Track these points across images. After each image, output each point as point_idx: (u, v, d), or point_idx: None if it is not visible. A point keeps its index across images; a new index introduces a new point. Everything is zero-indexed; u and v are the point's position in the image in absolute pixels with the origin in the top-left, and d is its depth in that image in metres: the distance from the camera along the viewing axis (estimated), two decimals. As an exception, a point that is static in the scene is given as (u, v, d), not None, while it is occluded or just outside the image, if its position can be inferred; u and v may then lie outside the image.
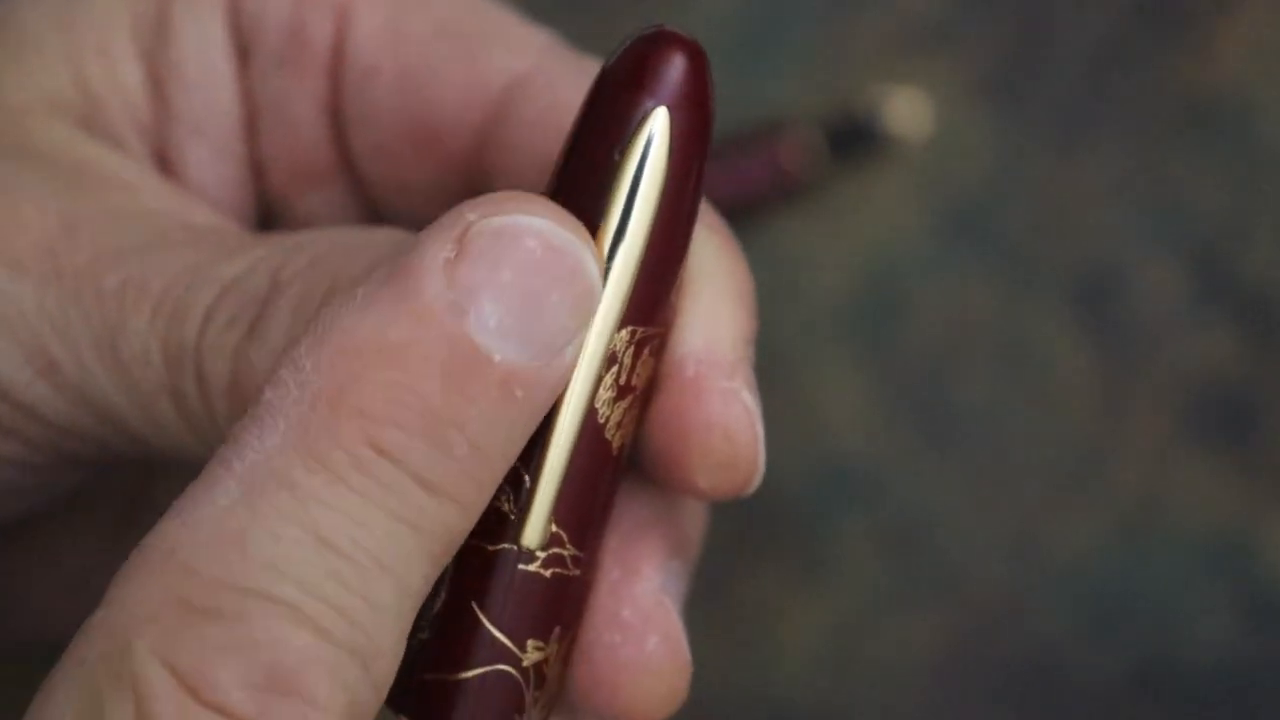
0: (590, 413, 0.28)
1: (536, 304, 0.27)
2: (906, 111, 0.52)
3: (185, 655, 0.25)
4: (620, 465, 0.29)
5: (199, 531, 0.26)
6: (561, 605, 0.29)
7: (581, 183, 0.28)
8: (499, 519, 0.28)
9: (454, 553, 0.27)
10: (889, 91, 0.52)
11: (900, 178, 0.53)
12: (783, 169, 0.52)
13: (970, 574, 0.52)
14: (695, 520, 0.33)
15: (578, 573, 0.29)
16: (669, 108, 0.28)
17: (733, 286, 0.31)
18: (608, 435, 0.29)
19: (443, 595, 0.29)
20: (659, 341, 0.29)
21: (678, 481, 0.30)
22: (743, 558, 0.52)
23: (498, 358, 0.26)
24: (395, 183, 0.34)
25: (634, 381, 0.29)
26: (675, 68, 0.28)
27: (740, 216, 0.52)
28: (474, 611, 0.28)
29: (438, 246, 0.27)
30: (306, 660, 0.25)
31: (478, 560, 0.28)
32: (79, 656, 0.25)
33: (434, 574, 0.27)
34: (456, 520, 0.27)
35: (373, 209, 0.35)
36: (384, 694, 0.27)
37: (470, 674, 0.28)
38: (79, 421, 0.31)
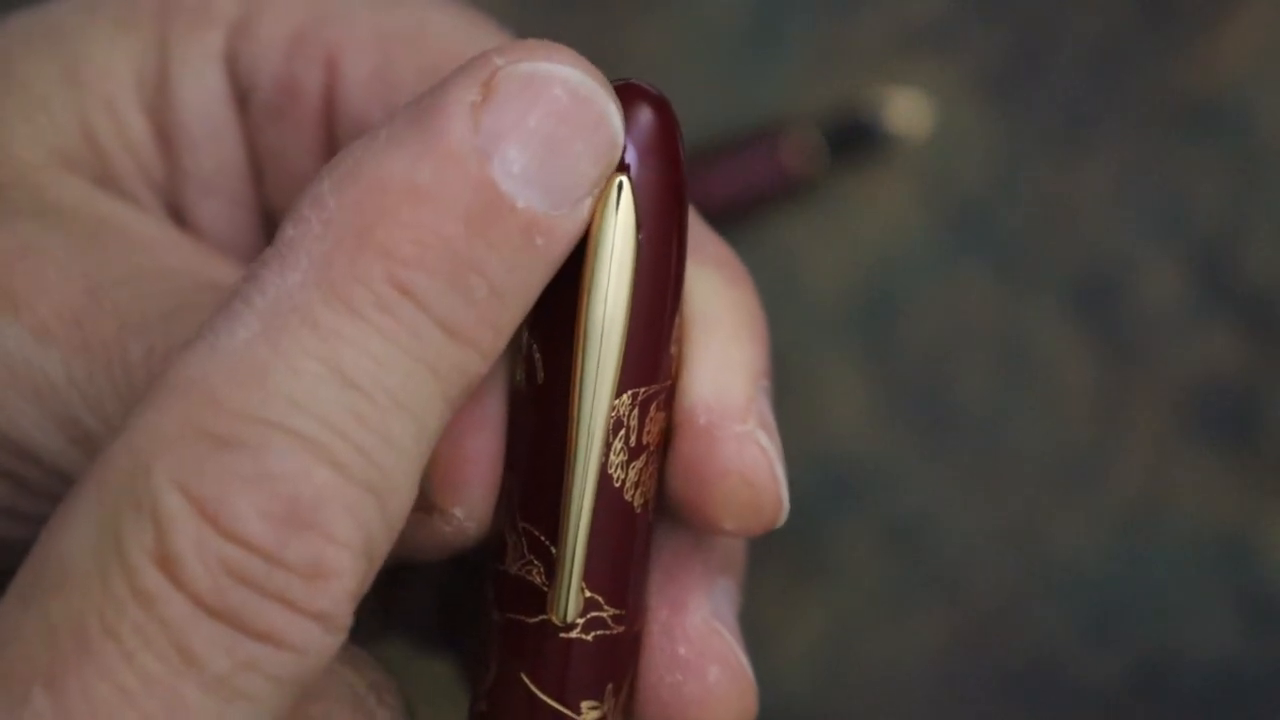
0: (605, 479, 0.28)
1: (561, 152, 0.27)
2: (906, 111, 0.52)
3: (205, 483, 0.25)
4: (648, 519, 0.29)
5: (220, 363, 0.26)
6: (610, 663, 0.29)
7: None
8: (533, 591, 0.28)
9: (468, 395, 0.27)
10: (889, 91, 0.52)
11: (900, 178, 0.53)
12: (783, 169, 0.52)
13: (970, 574, 0.52)
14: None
15: (621, 629, 0.29)
16: (638, 162, 0.27)
17: (739, 324, 0.30)
18: (627, 497, 0.29)
19: (493, 667, 0.29)
20: (665, 395, 0.29)
21: (704, 526, 0.30)
22: (743, 558, 0.52)
23: (520, 204, 0.26)
24: None
25: (645, 440, 0.29)
26: (642, 121, 0.28)
27: (740, 216, 0.52)
28: (524, 683, 0.29)
29: (464, 90, 0.27)
30: (325, 495, 0.25)
31: (520, 633, 0.28)
32: (97, 479, 0.25)
33: (448, 416, 0.27)
34: (474, 364, 0.27)
35: None
36: (396, 532, 0.27)
37: None
38: None
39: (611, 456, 0.28)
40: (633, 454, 0.28)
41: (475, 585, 0.31)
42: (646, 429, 0.28)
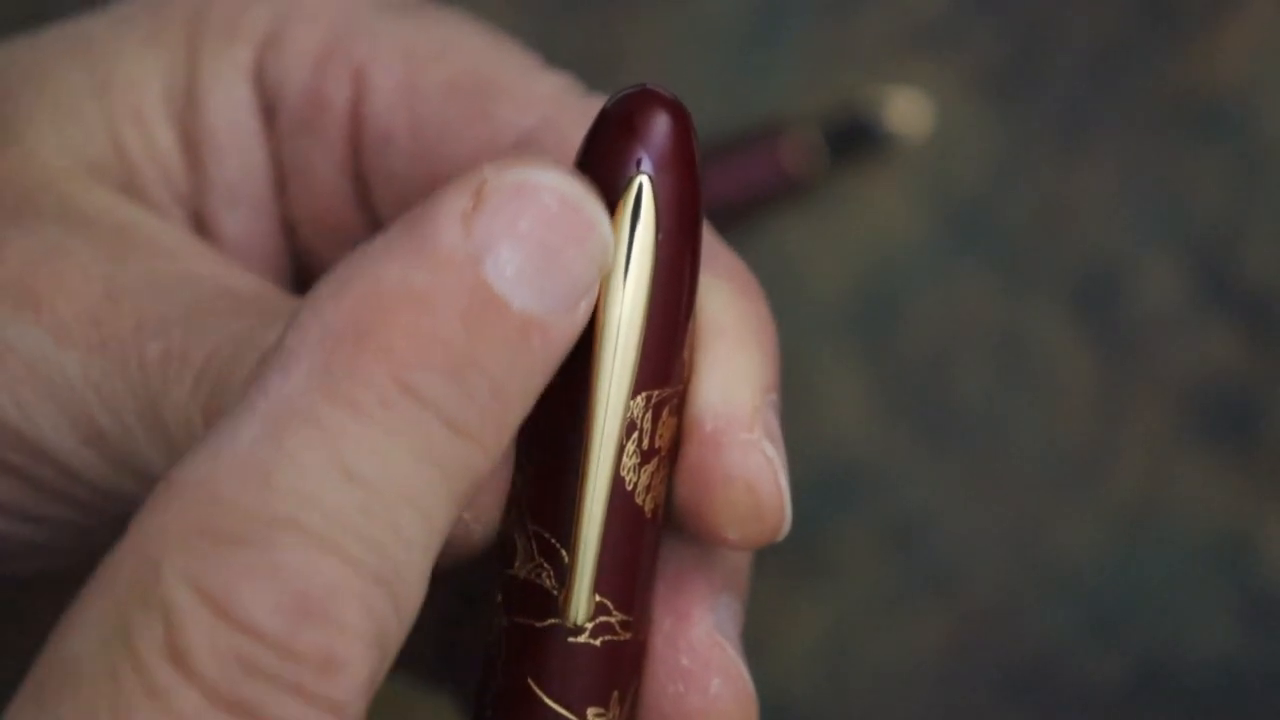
0: (617, 481, 0.28)
1: (553, 256, 0.27)
2: (906, 111, 0.52)
3: (215, 578, 0.25)
4: (657, 525, 0.29)
5: (224, 464, 0.26)
6: (616, 670, 0.29)
7: None
8: (543, 595, 0.28)
9: (474, 494, 0.28)
10: (889, 91, 0.52)
11: (900, 178, 0.53)
12: (783, 169, 0.52)
13: (970, 574, 0.52)
14: (741, 553, 0.33)
15: (628, 636, 0.29)
16: (655, 168, 0.28)
17: (749, 335, 0.31)
18: (638, 501, 0.29)
19: (499, 673, 0.29)
20: (677, 400, 0.29)
21: (707, 535, 0.30)
22: (743, 558, 0.52)
23: (516, 305, 0.27)
24: None
25: (657, 444, 0.29)
26: (659, 126, 0.28)
27: (740, 216, 0.52)
28: (531, 688, 0.29)
29: (455, 199, 0.27)
30: (335, 587, 0.25)
31: (528, 637, 0.28)
32: (104, 580, 0.26)
33: (456, 513, 0.27)
34: (479, 461, 0.27)
35: None
36: (408, 626, 0.27)
37: None
38: (123, 486, 0.32)
39: (624, 459, 0.28)
40: (645, 457, 0.28)
41: (474, 619, 0.31)
42: (659, 433, 0.29)
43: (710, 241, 0.31)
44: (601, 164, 0.28)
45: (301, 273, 0.36)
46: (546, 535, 0.28)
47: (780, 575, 0.52)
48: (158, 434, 0.31)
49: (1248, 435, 0.52)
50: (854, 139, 0.52)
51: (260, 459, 0.26)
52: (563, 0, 0.52)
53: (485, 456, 0.27)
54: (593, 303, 0.28)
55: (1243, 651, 0.52)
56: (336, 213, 0.35)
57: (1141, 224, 0.53)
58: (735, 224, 0.52)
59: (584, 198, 0.27)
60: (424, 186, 0.34)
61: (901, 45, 0.53)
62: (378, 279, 0.26)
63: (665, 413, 0.29)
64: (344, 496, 0.26)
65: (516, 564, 0.29)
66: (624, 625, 0.29)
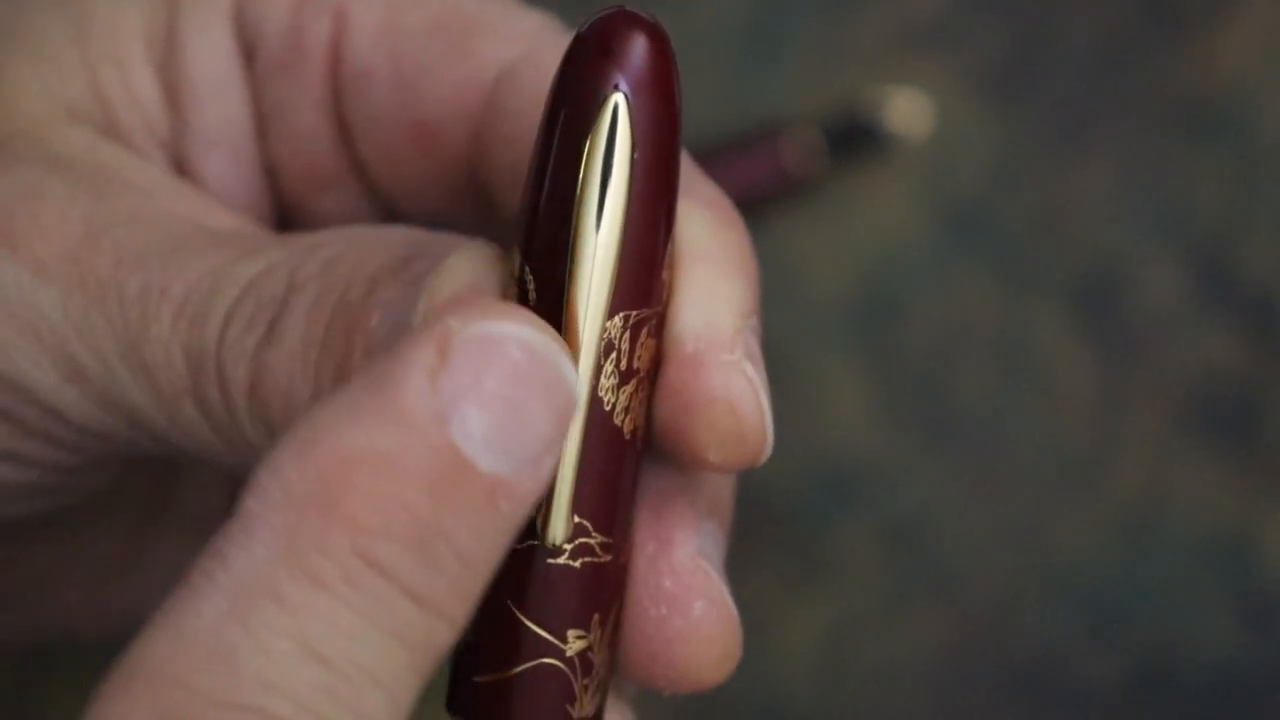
0: (595, 402, 0.28)
1: (519, 413, 0.26)
2: (906, 111, 0.52)
3: None
4: (636, 447, 0.29)
5: (185, 646, 0.25)
6: (597, 592, 0.29)
7: (555, 175, 0.28)
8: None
9: (438, 665, 0.27)
10: (889, 91, 0.52)
11: (900, 178, 0.53)
12: (783, 169, 0.52)
13: (970, 574, 0.52)
14: (724, 480, 0.33)
15: (609, 558, 0.29)
16: (632, 88, 0.27)
17: (729, 259, 0.30)
18: (617, 421, 0.28)
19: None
20: (656, 321, 0.29)
21: (689, 457, 0.30)
22: (742, 558, 0.51)
23: (484, 467, 0.26)
24: (402, 181, 0.35)
25: (636, 364, 0.29)
26: (636, 47, 0.27)
27: (740, 216, 0.52)
28: (511, 610, 0.28)
29: (420, 353, 0.26)
30: None
31: (508, 560, 0.28)
32: None
33: (419, 688, 0.27)
34: (443, 634, 0.26)
35: (386, 205, 0.36)
36: None
37: (517, 670, 0.28)
38: (105, 424, 0.31)
39: (602, 380, 0.28)
40: (623, 378, 0.28)
41: None
42: (637, 354, 0.28)
43: (689, 171, 0.31)
44: (578, 87, 0.27)
45: (283, 217, 0.36)
46: None
47: (780, 575, 0.52)
48: (139, 370, 0.31)
49: (1248, 435, 0.52)
50: (854, 139, 0.52)
51: (224, 641, 0.25)
52: (563, 0, 0.52)
53: (450, 629, 0.27)
54: (556, 460, 0.27)
55: (1243, 652, 0.52)
56: (318, 155, 0.35)
57: (1141, 224, 0.53)
58: (735, 224, 0.52)
59: (549, 347, 0.27)
60: (404, 128, 0.34)
61: (901, 45, 0.53)
62: (341, 441, 0.26)
63: (644, 334, 0.28)
64: (309, 679, 0.25)
65: None
66: (604, 547, 0.29)
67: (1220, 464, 0.52)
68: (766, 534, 0.52)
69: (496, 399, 0.26)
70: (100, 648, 0.51)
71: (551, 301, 0.28)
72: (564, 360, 0.27)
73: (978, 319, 0.53)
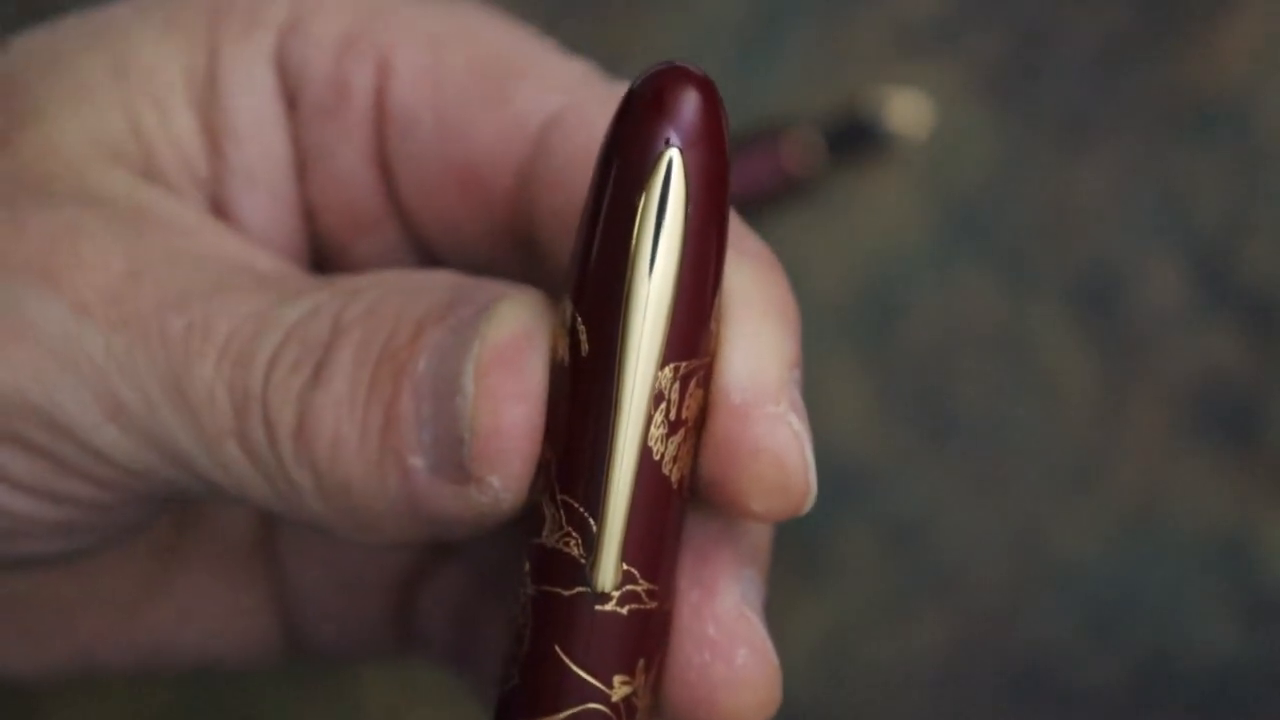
0: (645, 452, 0.29)
1: None
2: (906, 111, 0.52)
3: None
4: (683, 496, 0.30)
5: None
6: (642, 639, 0.29)
7: (609, 227, 0.28)
8: (570, 564, 0.29)
9: None
10: (889, 91, 0.52)
11: (900, 178, 0.53)
12: (783, 169, 0.52)
13: (970, 574, 0.52)
14: (763, 529, 0.33)
15: (654, 605, 0.29)
16: (684, 142, 0.28)
17: (774, 310, 0.31)
18: (665, 471, 0.29)
19: (526, 641, 0.29)
20: (704, 372, 0.29)
21: (733, 507, 0.30)
22: (743, 558, 0.52)
23: None
24: (444, 224, 0.35)
25: (684, 415, 0.29)
26: (688, 102, 0.28)
27: (740, 216, 0.52)
28: (558, 655, 0.29)
29: None
30: None
31: (555, 605, 0.29)
32: None
33: None
34: None
35: (426, 250, 0.36)
36: None
37: (561, 715, 0.29)
38: (146, 462, 0.32)
39: (652, 429, 0.29)
40: (672, 428, 0.29)
41: (491, 598, 0.31)
42: (686, 404, 0.29)
43: (735, 224, 0.31)
44: (632, 142, 0.28)
45: (323, 263, 0.36)
46: (575, 504, 0.29)
47: (780, 575, 0.52)
48: (182, 409, 0.31)
49: (1248, 435, 0.52)
50: (854, 139, 0.52)
51: None
52: (563, 1, 0.52)
53: None
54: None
55: (1243, 652, 0.52)
56: (360, 199, 0.35)
57: (1142, 224, 0.53)
58: (735, 224, 0.52)
59: None
60: (448, 174, 0.34)
61: (901, 45, 0.53)
62: None
63: (693, 384, 0.29)
64: None
65: (545, 533, 0.29)
66: (650, 594, 0.29)
67: (1220, 464, 0.52)
68: (779, 526, 0.52)
69: None
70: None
71: (604, 351, 0.28)
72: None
73: (978, 319, 0.53)
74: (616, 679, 0.29)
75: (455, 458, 0.29)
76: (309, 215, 0.35)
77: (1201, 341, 0.52)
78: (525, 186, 0.33)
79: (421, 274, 0.32)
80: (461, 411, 0.29)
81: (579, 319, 0.29)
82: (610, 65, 0.53)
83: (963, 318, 0.52)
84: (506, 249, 0.34)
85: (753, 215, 0.52)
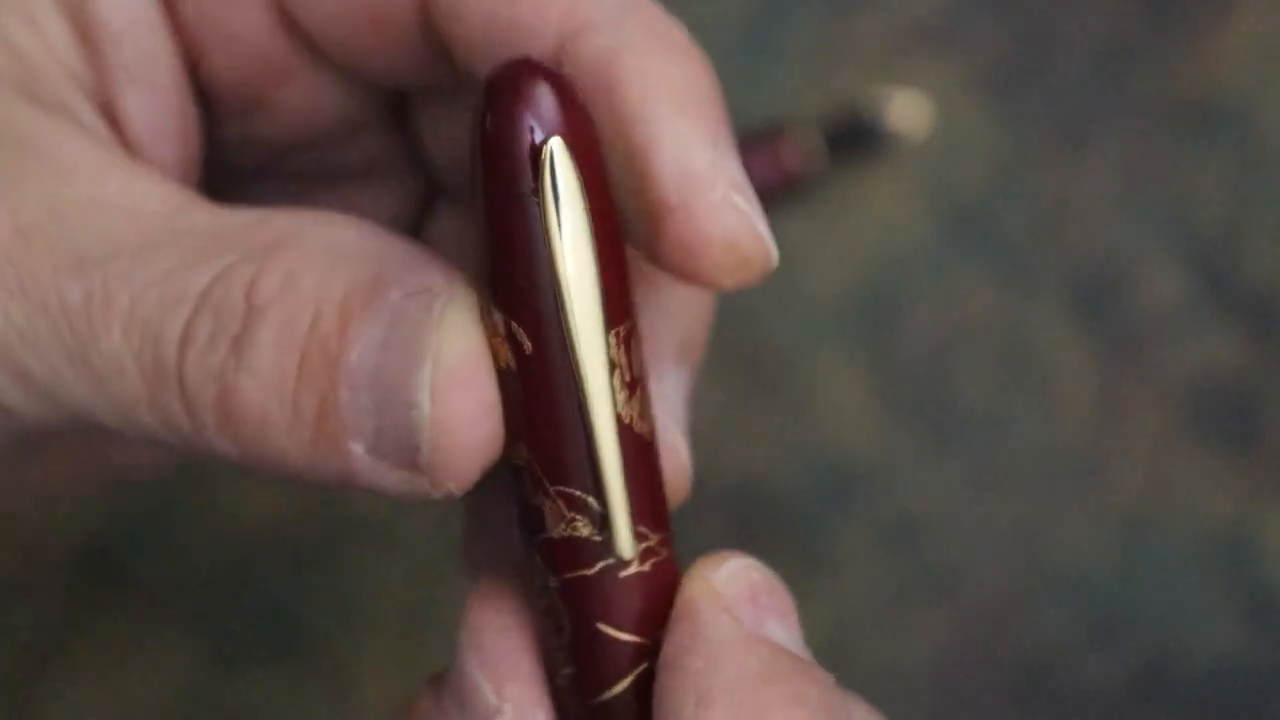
0: (618, 420, 0.29)
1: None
2: (906, 111, 0.52)
3: None
4: (654, 442, 0.30)
5: None
6: (668, 585, 0.30)
7: (510, 229, 0.29)
8: (586, 546, 0.29)
9: None
10: (889, 91, 0.52)
11: (900, 178, 0.53)
12: (783, 169, 0.52)
13: (970, 574, 0.52)
14: (697, 321, 0.34)
15: (667, 552, 0.30)
16: (555, 127, 0.28)
17: (685, 97, 0.31)
18: (636, 430, 0.30)
19: (568, 629, 0.30)
20: (633, 325, 0.30)
21: (701, 284, 0.31)
22: (743, 558, 0.52)
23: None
24: (354, 56, 0.35)
25: (635, 373, 0.30)
26: (542, 89, 0.28)
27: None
28: (602, 630, 0.30)
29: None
30: None
31: (585, 587, 0.30)
32: None
33: None
34: None
35: (345, 87, 0.35)
36: None
37: (627, 681, 0.30)
38: (55, 420, 0.32)
39: (616, 397, 0.29)
40: (630, 389, 0.29)
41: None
42: (633, 363, 0.30)
43: (632, 16, 0.31)
44: (503, 139, 0.28)
45: (246, 116, 0.36)
46: (573, 492, 0.29)
47: (780, 575, 0.52)
48: (88, 377, 0.31)
49: (1248, 435, 0.52)
50: (854, 139, 0.52)
51: None
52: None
53: None
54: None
55: (1243, 652, 0.52)
56: (264, 51, 0.34)
57: (1142, 224, 0.53)
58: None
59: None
60: (350, 8, 0.34)
61: (901, 45, 0.53)
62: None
63: (632, 343, 0.30)
64: None
65: (549, 528, 0.30)
66: (662, 543, 0.30)
67: (1220, 463, 0.52)
68: (766, 534, 0.52)
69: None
70: (98, 653, 0.51)
71: (549, 345, 0.29)
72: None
73: (978, 318, 0.52)
74: (656, 633, 0.30)
75: (405, 455, 0.29)
76: (208, 101, 0.35)
77: (1201, 341, 0.52)
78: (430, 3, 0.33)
79: (330, 230, 0.31)
80: (419, 424, 0.29)
81: (514, 324, 0.29)
82: (610, 65, 0.53)
83: (962, 317, 0.52)
84: (422, 64, 0.34)
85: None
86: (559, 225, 0.28)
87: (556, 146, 0.28)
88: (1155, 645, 0.52)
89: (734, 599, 0.30)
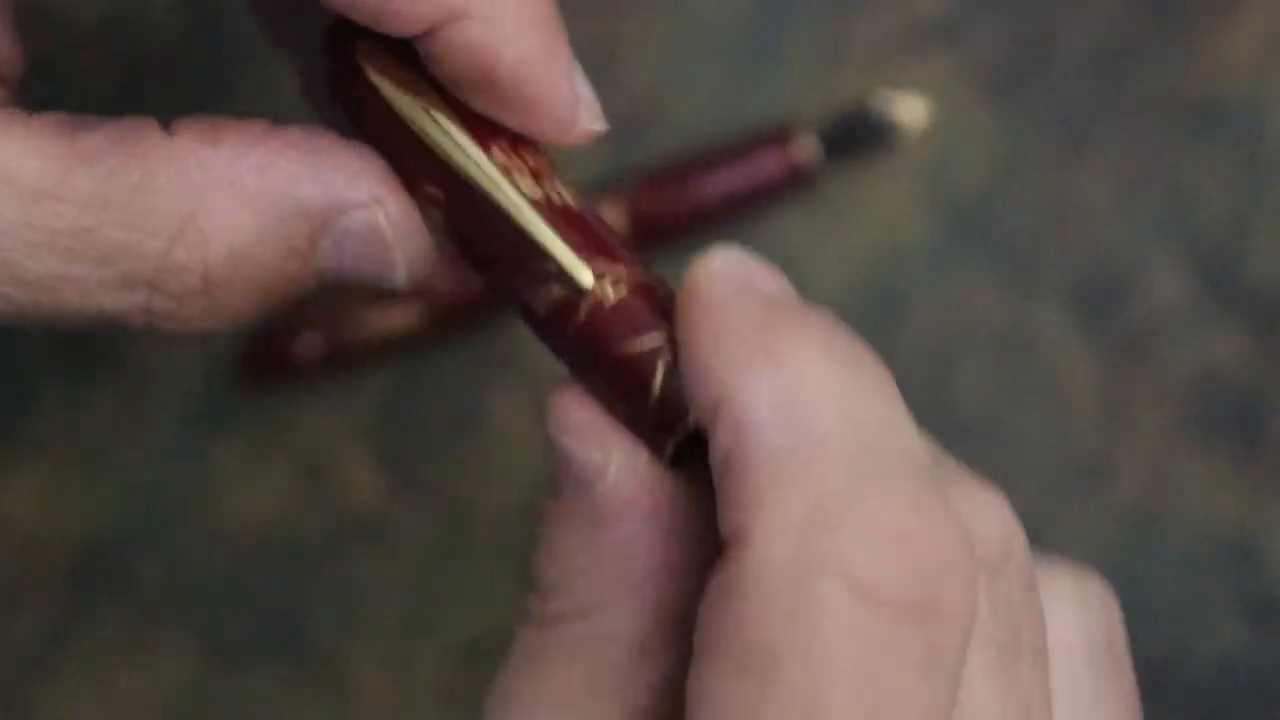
0: (534, 204, 0.33)
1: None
2: (907, 111, 0.52)
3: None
4: (583, 208, 0.33)
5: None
6: (662, 293, 0.32)
7: (381, 133, 0.34)
8: (568, 303, 0.32)
9: None
10: (889, 91, 0.52)
11: (900, 177, 0.53)
12: (783, 168, 0.52)
13: (972, 574, 0.52)
14: None
15: (639, 270, 0.32)
16: (361, 51, 0.34)
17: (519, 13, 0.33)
18: (557, 204, 0.33)
19: (603, 380, 0.32)
20: (513, 137, 0.34)
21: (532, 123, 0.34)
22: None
23: None
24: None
25: (533, 165, 0.33)
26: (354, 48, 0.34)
27: (740, 216, 0.52)
28: (623, 352, 0.32)
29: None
30: None
31: (590, 334, 0.32)
32: None
33: None
34: None
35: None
36: None
37: (658, 380, 0.32)
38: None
39: (521, 185, 0.33)
40: (535, 175, 0.33)
41: None
42: (528, 159, 0.33)
43: None
44: (340, 75, 0.34)
45: None
46: (530, 267, 0.32)
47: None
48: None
49: (1252, 435, 0.52)
50: (854, 139, 0.52)
51: None
52: (562, 1, 0.52)
53: None
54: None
55: (1247, 652, 0.52)
56: None
57: (1144, 224, 0.53)
58: (735, 223, 0.52)
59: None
60: None
61: (902, 45, 0.53)
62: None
63: (521, 148, 0.33)
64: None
65: (538, 308, 0.32)
66: (630, 266, 0.32)
67: (1223, 464, 0.52)
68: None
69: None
70: (99, 650, 0.51)
71: (453, 183, 0.33)
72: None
73: (979, 318, 0.52)
74: (649, 335, 0.32)
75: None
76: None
77: (1204, 341, 0.52)
78: None
79: (233, 165, 0.34)
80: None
81: (427, 193, 0.33)
82: (610, 65, 0.53)
83: (963, 317, 0.52)
84: None
85: (753, 215, 0.52)
86: (403, 96, 0.33)
87: (364, 61, 0.33)
88: (1158, 645, 0.52)
89: (721, 269, 0.31)
